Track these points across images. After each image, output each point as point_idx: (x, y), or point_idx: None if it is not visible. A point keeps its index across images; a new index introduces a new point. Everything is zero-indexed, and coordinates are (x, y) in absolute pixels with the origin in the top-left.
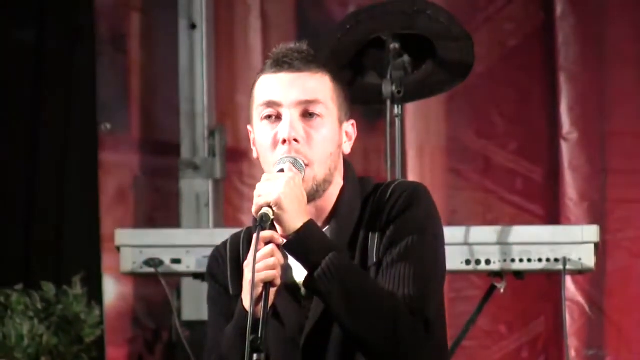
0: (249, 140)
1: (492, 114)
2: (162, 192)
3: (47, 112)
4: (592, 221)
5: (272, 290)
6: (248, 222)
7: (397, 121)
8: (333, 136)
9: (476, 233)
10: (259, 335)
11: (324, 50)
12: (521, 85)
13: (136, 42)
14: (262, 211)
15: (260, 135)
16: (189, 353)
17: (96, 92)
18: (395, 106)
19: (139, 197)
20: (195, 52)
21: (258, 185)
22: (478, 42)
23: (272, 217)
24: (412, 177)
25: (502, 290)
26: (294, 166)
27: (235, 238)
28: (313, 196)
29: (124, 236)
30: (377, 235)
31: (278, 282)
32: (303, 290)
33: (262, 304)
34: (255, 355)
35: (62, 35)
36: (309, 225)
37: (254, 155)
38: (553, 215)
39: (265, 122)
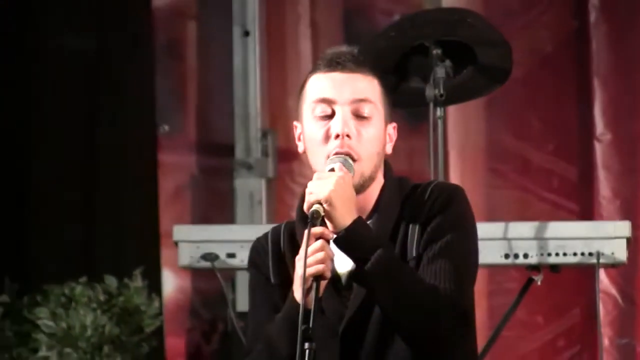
0: (298, 139)
1: (529, 117)
2: (218, 191)
3: (108, 116)
4: (624, 217)
5: (322, 283)
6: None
7: (440, 123)
8: (380, 136)
9: (514, 229)
10: (310, 325)
11: (369, 56)
12: (556, 89)
13: (192, 49)
14: (313, 208)
15: (312, 129)
16: (243, 342)
17: (154, 97)
18: (438, 109)
19: (195, 195)
20: (249, 58)
21: (310, 184)
22: (515, 49)
23: (322, 213)
24: (453, 176)
25: (539, 283)
26: (343, 166)
27: (275, 230)
28: (358, 191)
29: (181, 232)
30: (416, 231)
31: (328, 275)
32: (343, 280)
33: (312, 296)
34: (307, 344)
35: (122, 42)
36: (358, 222)
37: (300, 149)
38: (587, 211)
39: (318, 117)
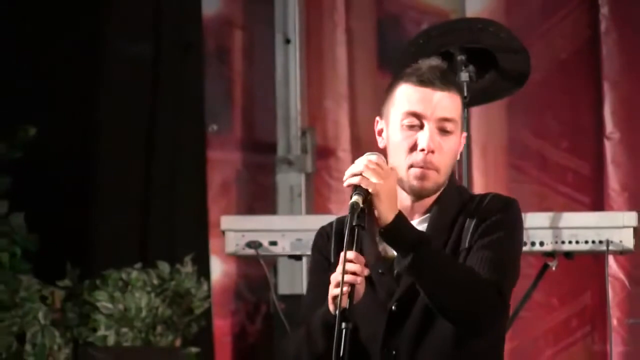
0: (335, 139)
1: (546, 117)
2: (261, 184)
3: (162, 116)
4: (631, 208)
5: (359, 289)
6: (335, 210)
7: (464, 123)
8: (457, 148)
9: (532, 219)
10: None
11: (401, 61)
12: (571, 92)
13: (238, 55)
14: (353, 199)
15: (398, 136)
16: (284, 323)
17: (204, 99)
18: (463, 110)
19: (240, 188)
20: (290, 63)
21: (354, 166)
22: (534, 55)
23: (361, 205)
24: (476, 172)
25: (554, 269)
26: (375, 157)
27: (339, 220)
28: (429, 194)
29: (228, 222)
30: (472, 226)
31: (363, 285)
32: (396, 262)
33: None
34: (344, 324)
35: (175, 49)
36: (400, 217)
37: (380, 144)
38: (598, 203)
39: (406, 127)
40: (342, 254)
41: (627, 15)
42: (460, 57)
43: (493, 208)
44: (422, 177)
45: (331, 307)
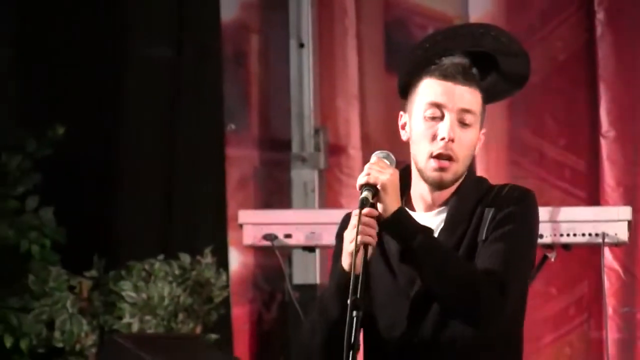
0: (346, 137)
1: (545, 117)
2: (276, 180)
3: (183, 116)
4: (626, 203)
5: (371, 252)
6: (346, 204)
7: None
8: (475, 141)
9: None
10: (358, 296)
11: (407, 64)
12: (568, 93)
13: (255, 59)
14: (363, 194)
15: (420, 127)
16: (298, 311)
17: (222, 99)
18: None
19: (257, 184)
20: (303, 66)
21: (367, 167)
22: (533, 58)
23: (371, 200)
24: (480, 167)
25: (552, 259)
26: (386, 159)
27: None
28: (448, 185)
29: (246, 216)
30: (489, 217)
31: (373, 243)
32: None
33: (361, 264)
34: (355, 312)
35: (195, 53)
36: (402, 209)
37: (403, 137)
38: (594, 198)
39: (428, 118)
40: (355, 215)
41: (621, 21)
42: (464, 61)
43: (509, 199)
44: (440, 169)
45: (345, 265)
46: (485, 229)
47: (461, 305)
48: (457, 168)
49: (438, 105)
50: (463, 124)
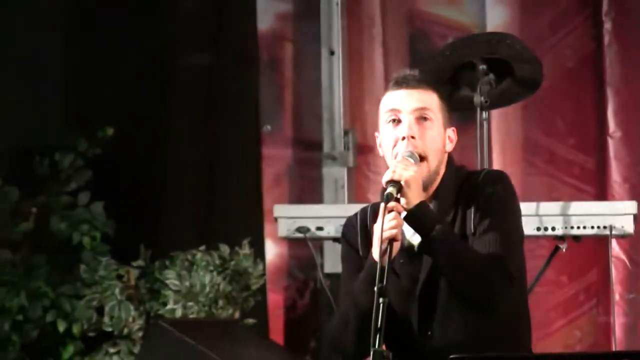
0: (374, 139)
1: (556, 118)
2: (309, 177)
3: (222, 118)
4: (632, 198)
5: (396, 245)
6: (374, 199)
7: (485, 124)
8: (439, 136)
9: (544, 207)
10: (384, 283)
11: (430, 71)
12: (577, 96)
13: (288, 65)
14: (387, 190)
15: (385, 135)
16: (329, 297)
17: (259, 103)
18: (483, 112)
19: (291, 181)
20: (333, 72)
21: (392, 163)
22: (545, 64)
23: (395, 195)
24: (496, 166)
25: (564, 250)
26: (411, 158)
27: (363, 210)
28: (427, 183)
29: (280, 210)
30: (472, 210)
31: (399, 238)
32: (416, 248)
33: (387, 255)
34: (381, 299)
35: (234, 60)
36: (423, 204)
37: (381, 154)
38: (602, 194)
39: (390, 125)
40: (381, 209)
41: (627, 30)
42: (482, 67)
43: (486, 188)
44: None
45: (375, 256)
46: (472, 222)
47: (472, 287)
48: (428, 164)
49: (394, 110)
50: (422, 119)
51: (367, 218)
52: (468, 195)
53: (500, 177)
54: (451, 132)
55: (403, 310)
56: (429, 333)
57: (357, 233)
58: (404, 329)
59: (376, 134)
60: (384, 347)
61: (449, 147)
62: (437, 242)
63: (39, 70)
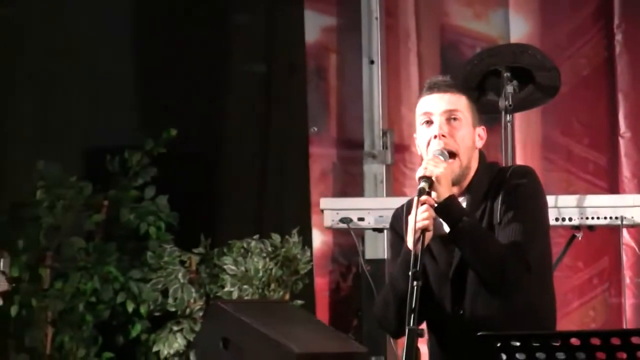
0: (410, 138)
1: (572, 121)
2: (351, 173)
3: (274, 120)
4: None
5: (428, 235)
6: (409, 193)
7: (509, 126)
8: (469, 135)
9: (562, 200)
10: (417, 269)
11: (460, 78)
12: (592, 101)
13: (333, 73)
14: (420, 185)
15: (420, 136)
16: (369, 281)
17: (307, 107)
18: (507, 115)
19: (335, 176)
20: (373, 79)
21: (425, 161)
22: (562, 72)
23: (427, 190)
24: (518, 162)
25: (579, 238)
26: (441, 156)
27: (409, 202)
28: (459, 178)
29: (326, 203)
30: (499, 201)
31: (431, 228)
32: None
33: (420, 244)
34: (415, 282)
35: (284, 69)
36: (452, 197)
37: (418, 152)
38: (614, 188)
39: (423, 126)
40: (414, 202)
41: (636, 41)
42: (506, 74)
43: (513, 181)
44: None
45: (409, 245)
46: (499, 213)
47: (491, 274)
48: (459, 161)
49: (427, 113)
50: (452, 119)
51: (412, 209)
52: (497, 189)
53: (526, 172)
54: (481, 131)
55: (439, 291)
56: (461, 312)
57: (402, 223)
58: (440, 308)
59: (414, 135)
60: (423, 325)
61: (479, 144)
62: (462, 232)
63: (110, 77)
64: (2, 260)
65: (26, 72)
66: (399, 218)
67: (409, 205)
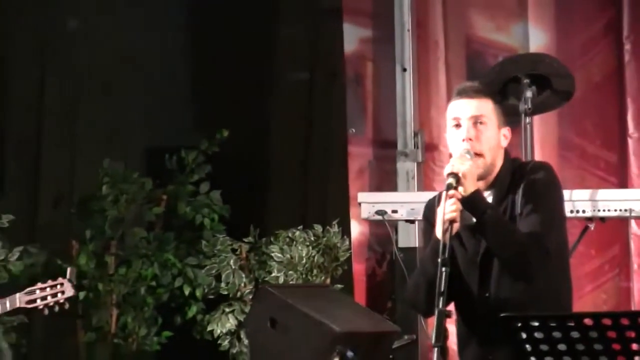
0: (439, 138)
1: (585, 122)
2: (385, 170)
3: (316, 123)
4: None
5: (455, 225)
6: (438, 188)
7: (528, 127)
8: (494, 136)
9: (576, 194)
10: (446, 256)
11: (484, 84)
12: (603, 105)
13: (369, 80)
14: (448, 181)
15: (450, 137)
16: (402, 267)
17: (345, 110)
18: (527, 118)
19: (371, 173)
20: (405, 85)
21: (452, 159)
22: (577, 79)
23: (454, 185)
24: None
25: (592, 229)
26: (467, 153)
27: (439, 195)
28: (485, 174)
29: (363, 197)
30: (520, 195)
31: (457, 220)
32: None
33: (448, 234)
34: (444, 268)
35: (325, 76)
36: (477, 192)
37: (449, 150)
38: (623, 183)
39: (453, 128)
40: (443, 196)
41: None
42: (526, 81)
43: (532, 176)
44: None
45: (438, 234)
46: (519, 205)
47: (514, 261)
48: (484, 159)
49: (456, 117)
50: (478, 123)
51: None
52: (518, 182)
53: (544, 167)
54: (506, 131)
55: (467, 275)
56: (487, 294)
57: (434, 213)
58: (468, 291)
59: (445, 135)
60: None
61: (504, 143)
62: (486, 223)
63: (169, 84)
64: (69, 269)
65: (94, 79)
66: (431, 208)
67: (440, 197)
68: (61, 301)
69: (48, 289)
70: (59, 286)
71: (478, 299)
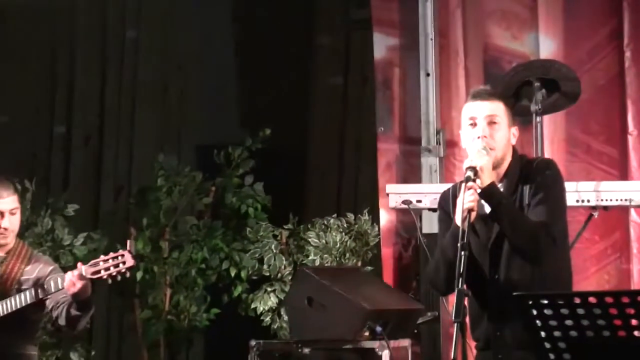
0: (458, 136)
1: (590, 121)
2: (411, 164)
3: (349, 122)
4: None
5: (473, 214)
6: (458, 180)
7: (539, 126)
8: (505, 134)
9: (582, 185)
10: (465, 241)
11: (500, 87)
12: (606, 106)
13: (396, 84)
14: (467, 174)
15: (465, 135)
16: (426, 251)
17: (375, 111)
18: (538, 117)
19: (398, 167)
20: (429, 88)
21: (470, 154)
22: (583, 82)
23: (472, 178)
24: (547, 156)
25: (596, 216)
26: (484, 149)
27: (454, 186)
28: (496, 167)
29: (391, 188)
30: (528, 187)
31: (475, 209)
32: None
33: (467, 221)
34: (462, 252)
35: (357, 80)
36: (492, 184)
37: (463, 146)
38: (624, 175)
39: (469, 127)
40: (462, 188)
41: None
42: (537, 84)
43: (539, 172)
44: None
45: (458, 221)
46: (528, 196)
47: (526, 246)
48: (496, 154)
49: (472, 117)
50: (490, 123)
51: (457, 191)
52: (526, 177)
53: (549, 163)
54: (515, 130)
55: (480, 259)
56: (497, 276)
57: (449, 202)
58: (480, 273)
59: (460, 132)
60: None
61: (513, 140)
62: (501, 212)
63: (217, 87)
64: (129, 241)
65: (150, 84)
66: (446, 198)
67: (455, 188)
68: (122, 270)
69: (110, 260)
70: (120, 257)
71: (489, 280)
